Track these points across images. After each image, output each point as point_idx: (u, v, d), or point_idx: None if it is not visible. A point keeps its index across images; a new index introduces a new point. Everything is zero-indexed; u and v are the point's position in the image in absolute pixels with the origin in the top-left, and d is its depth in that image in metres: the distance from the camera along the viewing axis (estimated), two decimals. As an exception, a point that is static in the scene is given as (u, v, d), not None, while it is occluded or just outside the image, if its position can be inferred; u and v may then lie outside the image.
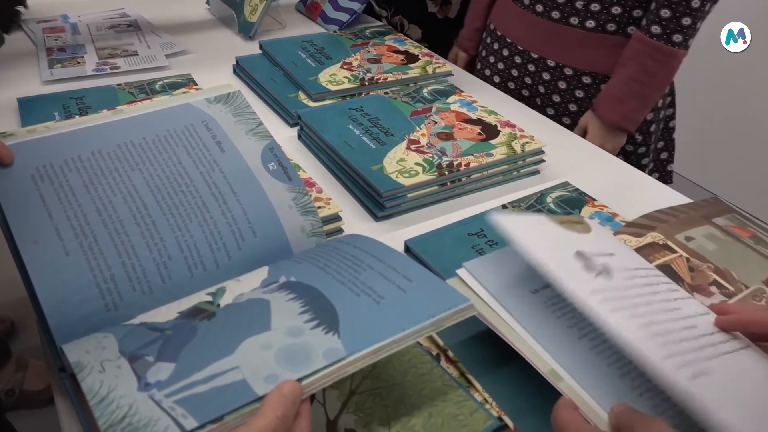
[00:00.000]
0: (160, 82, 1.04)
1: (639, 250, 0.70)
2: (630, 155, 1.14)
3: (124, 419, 0.41)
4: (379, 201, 0.78)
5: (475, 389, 0.55)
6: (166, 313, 0.52)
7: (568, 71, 1.10)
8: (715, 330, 0.55)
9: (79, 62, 1.09)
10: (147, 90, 1.01)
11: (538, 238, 0.56)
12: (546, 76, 1.13)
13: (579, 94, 1.11)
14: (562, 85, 1.12)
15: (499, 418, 0.52)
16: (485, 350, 0.55)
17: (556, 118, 1.15)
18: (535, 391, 0.51)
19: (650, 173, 1.17)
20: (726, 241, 0.72)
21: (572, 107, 1.13)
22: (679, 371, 0.46)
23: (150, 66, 1.10)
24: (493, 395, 0.54)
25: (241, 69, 1.12)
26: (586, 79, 1.09)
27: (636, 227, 0.74)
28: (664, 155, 1.20)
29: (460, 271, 0.58)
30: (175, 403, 0.42)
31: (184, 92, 0.70)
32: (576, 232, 0.61)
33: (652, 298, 0.55)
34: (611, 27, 1.04)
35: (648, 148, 1.14)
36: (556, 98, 1.14)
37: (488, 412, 0.53)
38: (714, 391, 0.46)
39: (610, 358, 0.51)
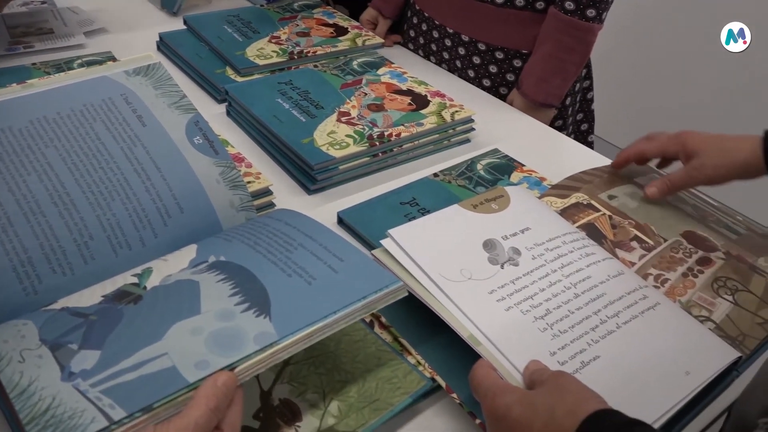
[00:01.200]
0: (79, 61, 0.99)
1: (564, 211, 0.72)
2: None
3: (48, 411, 0.40)
4: (311, 174, 0.78)
5: (408, 353, 0.56)
6: (90, 297, 0.50)
7: (481, 46, 1.11)
8: (628, 289, 0.58)
9: (-11, 42, 1.03)
10: (64, 69, 0.96)
11: (431, 248, 0.58)
12: (461, 51, 1.14)
13: (492, 69, 1.12)
14: (476, 60, 1.13)
15: (432, 379, 0.54)
16: (418, 315, 0.57)
17: (492, 90, 1.16)
18: (465, 353, 0.53)
19: None
20: (645, 199, 0.75)
21: (510, 77, 1.15)
22: (563, 367, 0.50)
23: (67, 44, 1.05)
24: (425, 358, 0.55)
25: (165, 45, 1.08)
26: (499, 54, 1.11)
27: (561, 189, 0.76)
28: (584, 126, 1.23)
29: (385, 241, 0.59)
30: (101, 393, 0.41)
31: (102, 68, 0.67)
32: (491, 213, 0.63)
33: (558, 275, 0.57)
34: (520, 2, 1.05)
35: (565, 121, 1.17)
36: (471, 73, 1.15)
37: (421, 374, 0.54)
38: (597, 375, 0.50)
39: (534, 322, 0.53)
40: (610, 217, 0.72)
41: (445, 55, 1.16)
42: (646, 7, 2.27)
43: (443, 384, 0.53)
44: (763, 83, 2.30)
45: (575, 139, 1.20)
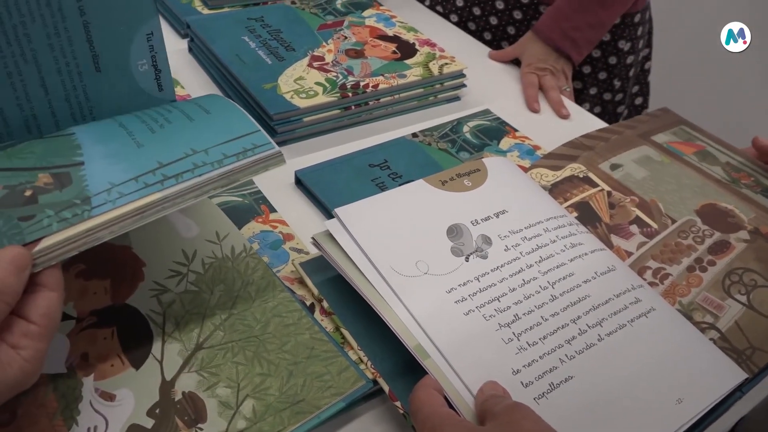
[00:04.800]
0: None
1: (555, 186, 0.62)
2: (607, 104, 1.05)
3: None
4: (270, 125, 0.68)
5: (349, 346, 0.47)
6: None
7: None
8: (618, 290, 0.48)
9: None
10: None
11: (384, 233, 0.48)
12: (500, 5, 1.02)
13: (517, 15, 1.01)
14: (499, 4, 1.02)
15: (374, 381, 0.45)
16: (366, 303, 0.47)
17: (494, 43, 1.05)
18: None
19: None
20: (660, 164, 0.64)
21: (510, 30, 1.03)
22: (527, 390, 0.40)
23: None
24: (369, 354, 0.46)
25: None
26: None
27: (555, 158, 0.66)
28: (638, 101, 1.11)
29: (330, 222, 0.49)
30: None
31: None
32: (462, 192, 0.52)
33: (534, 272, 0.48)
34: None
35: (625, 94, 1.06)
36: (493, 20, 1.03)
37: (362, 372, 0.45)
38: (567, 401, 0.40)
39: (498, 330, 0.44)
40: (608, 193, 0.61)
41: (492, 21, 1.04)
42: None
43: (386, 389, 0.44)
44: (763, 83, 2.28)
45: (629, 116, 1.09)
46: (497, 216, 0.51)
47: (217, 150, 0.40)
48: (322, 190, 0.62)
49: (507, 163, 0.59)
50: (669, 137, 0.67)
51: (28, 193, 0.36)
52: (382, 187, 0.64)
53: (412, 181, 0.64)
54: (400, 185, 0.64)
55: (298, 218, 0.61)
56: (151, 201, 0.37)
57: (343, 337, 0.48)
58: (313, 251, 0.56)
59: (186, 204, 0.38)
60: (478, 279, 0.46)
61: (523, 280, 0.47)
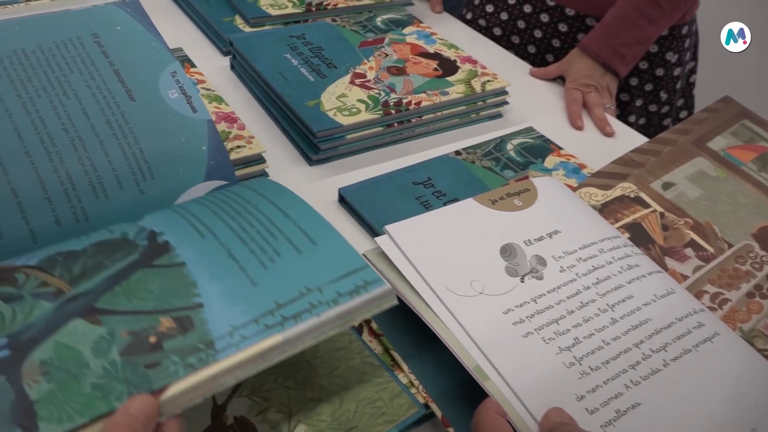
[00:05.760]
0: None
1: (605, 206, 0.61)
2: (652, 116, 1.04)
3: None
4: (313, 142, 0.68)
5: (400, 369, 0.46)
6: None
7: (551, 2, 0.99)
8: (680, 314, 0.46)
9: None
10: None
11: (436, 252, 0.47)
12: (527, 8, 1.01)
13: (562, 28, 1.00)
14: (544, 18, 1.01)
15: (426, 406, 0.44)
16: (415, 323, 0.46)
17: (538, 56, 1.04)
18: (469, 376, 0.42)
19: None
20: (715, 180, 0.62)
21: (555, 42, 1.02)
22: (592, 417, 0.38)
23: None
24: (420, 378, 0.45)
25: (174, -11, 0.98)
26: (570, 12, 0.98)
27: (604, 177, 0.64)
28: (683, 114, 1.09)
29: (381, 239, 0.48)
30: None
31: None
32: (513, 212, 0.51)
33: (592, 294, 0.46)
34: None
35: (671, 106, 1.04)
36: (538, 33, 1.02)
37: (413, 397, 0.44)
38: (636, 429, 0.39)
39: (558, 354, 0.42)
40: (661, 214, 0.60)
41: (537, 34, 1.03)
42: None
43: (439, 414, 0.43)
44: (763, 83, 2.25)
45: None
46: (550, 236, 0.50)
47: (331, 288, 0.39)
48: (367, 208, 0.62)
49: (556, 183, 0.58)
50: (727, 141, 0.65)
51: (152, 339, 0.36)
52: (426, 206, 0.63)
53: (457, 199, 0.63)
54: (444, 204, 0.63)
55: (344, 236, 0.60)
56: (272, 344, 0.36)
57: (393, 360, 0.47)
58: (360, 271, 0.55)
59: (305, 346, 0.38)
60: (534, 300, 0.45)
61: (581, 302, 0.45)
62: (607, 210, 0.60)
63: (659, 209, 0.60)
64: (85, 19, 0.52)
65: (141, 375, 0.34)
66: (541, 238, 0.50)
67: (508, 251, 0.48)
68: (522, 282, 0.46)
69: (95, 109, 0.48)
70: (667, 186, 0.62)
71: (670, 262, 0.56)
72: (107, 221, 0.46)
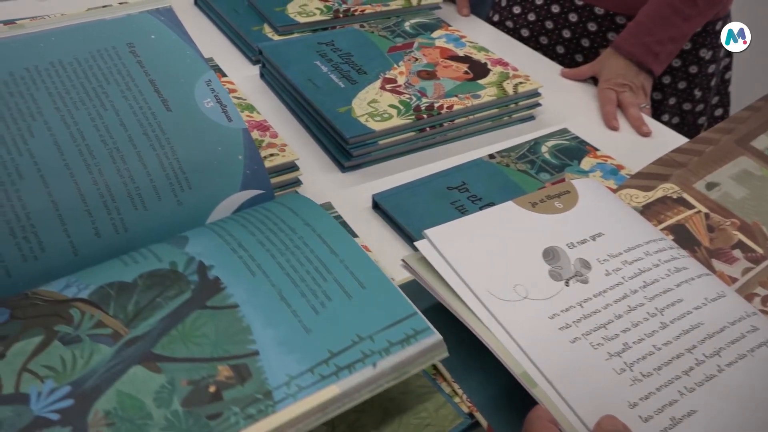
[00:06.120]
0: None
1: (647, 208, 0.59)
2: (686, 115, 1.01)
3: None
4: (345, 148, 0.67)
5: (442, 379, 0.45)
6: None
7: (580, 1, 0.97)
8: (733, 318, 0.45)
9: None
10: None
11: (477, 256, 0.46)
12: (555, 8, 1.00)
13: (592, 27, 0.98)
14: (573, 17, 0.99)
15: (470, 415, 0.43)
16: (457, 330, 0.45)
17: (567, 57, 1.02)
18: (516, 386, 0.41)
19: None
20: (761, 179, 0.60)
21: (584, 42, 1.00)
22: (647, 425, 0.37)
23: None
24: (464, 387, 0.44)
25: (202, 0, 0.99)
26: (599, 11, 0.96)
27: (645, 178, 0.62)
28: (718, 112, 1.07)
29: (421, 243, 0.47)
30: None
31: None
32: (554, 214, 0.50)
33: (640, 297, 0.45)
34: None
35: (706, 104, 1.02)
36: (567, 33, 1.01)
37: (457, 407, 0.43)
38: None
39: (608, 360, 0.41)
40: (706, 215, 0.58)
41: (566, 34, 1.02)
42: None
43: (484, 424, 0.42)
44: (764, 83, 2.24)
45: (709, 127, 1.05)
46: (593, 239, 0.49)
47: (382, 337, 0.39)
48: (402, 214, 0.61)
49: (596, 185, 0.56)
50: None
51: (212, 389, 0.36)
52: (462, 210, 0.62)
53: (493, 204, 0.62)
54: (480, 208, 0.62)
55: (379, 243, 0.59)
56: (332, 397, 0.36)
57: (435, 369, 0.46)
58: (398, 277, 0.54)
59: (362, 399, 0.37)
60: (581, 305, 0.44)
61: (629, 306, 0.44)
62: (649, 212, 0.58)
63: (704, 210, 0.58)
64: (120, 28, 0.53)
65: (203, 426, 0.33)
66: (584, 241, 0.49)
67: (551, 254, 0.47)
68: (567, 286, 0.45)
69: (132, 120, 0.48)
70: (710, 186, 0.60)
71: (717, 264, 0.54)
72: (146, 232, 0.46)
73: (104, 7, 0.55)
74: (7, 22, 0.52)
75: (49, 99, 0.47)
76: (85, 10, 0.55)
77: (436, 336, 0.40)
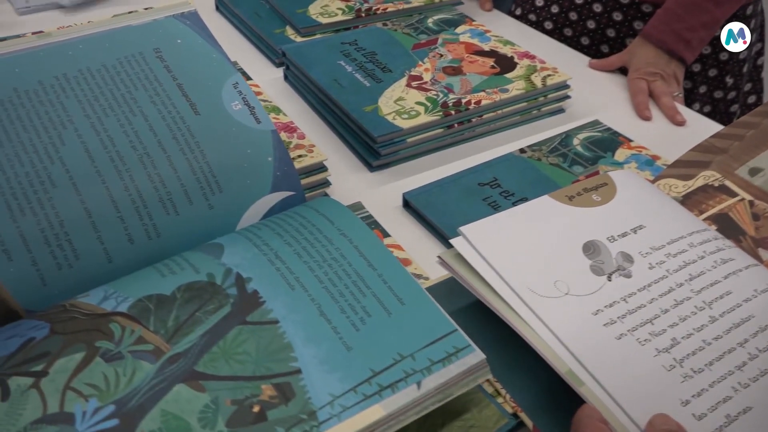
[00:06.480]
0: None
1: (687, 198, 0.57)
2: (718, 103, 0.99)
3: None
4: (374, 147, 0.66)
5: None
6: None
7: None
8: None
9: None
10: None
11: (515, 252, 0.45)
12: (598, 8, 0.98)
13: (617, 17, 0.96)
14: (597, 7, 0.97)
15: (515, 415, 0.41)
16: (496, 327, 0.44)
17: (592, 48, 1.00)
18: (561, 384, 0.40)
19: None
20: None
21: (610, 32, 0.98)
22: (701, 423, 0.36)
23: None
24: (507, 387, 0.43)
25: (223, 4, 0.99)
26: None
27: (684, 166, 0.60)
28: (752, 99, 1.04)
29: (456, 240, 0.46)
30: None
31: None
32: (592, 207, 0.49)
33: (687, 291, 0.43)
34: None
35: (738, 92, 0.99)
36: (591, 24, 0.99)
37: (501, 407, 0.42)
38: None
39: (657, 356, 0.40)
40: (750, 203, 0.56)
41: (590, 25, 1.00)
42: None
43: (529, 424, 0.41)
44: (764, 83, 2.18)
45: (741, 115, 1.02)
46: (635, 231, 0.47)
47: (423, 355, 0.38)
48: (433, 212, 0.60)
49: (634, 176, 0.55)
50: None
51: (256, 409, 0.35)
52: (494, 207, 0.61)
53: (526, 199, 0.61)
54: (513, 204, 0.61)
55: (411, 242, 0.58)
56: (377, 419, 0.35)
57: (477, 370, 0.45)
58: (433, 276, 0.53)
59: (408, 421, 0.37)
60: (625, 300, 0.42)
61: (675, 300, 0.42)
62: (690, 201, 0.56)
63: (747, 197, 0.56)
64: (146, 34, 0.52)
65: None
66: (625, 234, 0.47)
67: (591, 249, 0.46)
68: (609, 281, 0.43)
69: (161, 125, 0.48)
70: (754, 172, 0.58)
71: (764, 253, 0.52)
72: (178, 237, 0.46)
73: (130, 13, 0.55)
74: (35, 33, 0.52)
75: (78, 106, 0.47)
76: (111, 17, 0.55)
77: (478, 354, 0.39)
